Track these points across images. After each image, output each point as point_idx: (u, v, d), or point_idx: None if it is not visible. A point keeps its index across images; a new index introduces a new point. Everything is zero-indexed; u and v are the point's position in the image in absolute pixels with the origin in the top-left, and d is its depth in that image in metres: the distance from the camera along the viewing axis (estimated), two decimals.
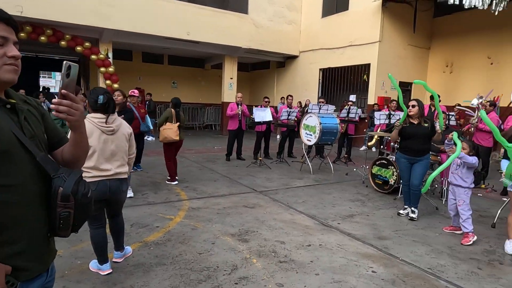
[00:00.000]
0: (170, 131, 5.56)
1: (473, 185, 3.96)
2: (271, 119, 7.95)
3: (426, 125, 4.37)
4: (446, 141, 4.06)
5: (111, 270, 2.86)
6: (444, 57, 11.96)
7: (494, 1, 8.25)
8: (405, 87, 12.17)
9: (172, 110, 5.79)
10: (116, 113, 2.76)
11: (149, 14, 11.21)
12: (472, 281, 3.00)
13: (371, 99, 11.48)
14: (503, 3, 8.18)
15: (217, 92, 15.55)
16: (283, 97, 10.40)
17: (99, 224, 2.78)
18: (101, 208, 2.78)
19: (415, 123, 4.43)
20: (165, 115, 5.70)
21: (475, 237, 3.85)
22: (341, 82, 12.98)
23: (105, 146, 2.64)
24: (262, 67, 17.44)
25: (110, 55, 11.54)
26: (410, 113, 4.42)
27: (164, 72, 16.21)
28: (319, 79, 13.85)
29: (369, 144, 6.26)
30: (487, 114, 6.51)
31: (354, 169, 7.49)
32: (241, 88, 16.36)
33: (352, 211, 4.84)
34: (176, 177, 6.03)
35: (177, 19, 11.72)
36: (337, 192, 5.86)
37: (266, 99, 8.49)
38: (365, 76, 11.82)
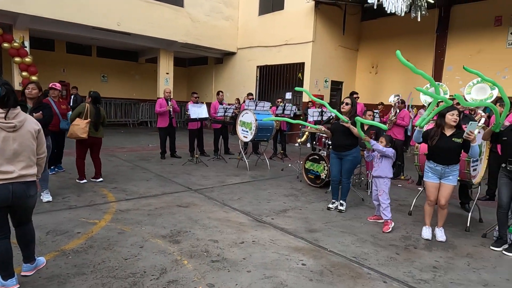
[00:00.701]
0: (77, 127, 5.13)
1: (391, 175, 4.29)
2: (207, 115, 7.81)
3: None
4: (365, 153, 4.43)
5: (18, 286, 2.53)
6: (370, 59, 12.87)
7: (412, 9, 9.07)
8: (336, 86, 12.87)
9: (87, 105, 5.34)
10: (19, 107, 2.42)
11: (72, 0, 10.26)
12: (391, 266, 3.23)
13: (306, 97, 11.91)
14: (421, 11, 9.02)
15: (153, 87, 14.89)
16: (250, 93, 10.28)
17: (1, 235, 2.43)
18: (3, 216, 2.43)
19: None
20: (78, 110, 5.26)
21: (393, 224, 4.20)
22: (278, 80, 13.28)
23: (5, 145, 2.30)
24: (200, 63, 17.11)
25: (27, 43, 10.35)
26: (342, 110, 4.63)
27: (93, 65, 15.06)
28: (257, 76, 14.01)
29: (299, 140, 6.48)
30: (399, 111, 7.15)
31: (289, 165, 7.70)
32: (178, 84, 15.90)
33: (286, 206, 4.94)
34: (101, 178, 5.68)
35: (106, 8, 10.92)
36: (273, 187, 5.96)
37: (195, 95, 8.31)
38: (300, 74, 12.22)
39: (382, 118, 8.87)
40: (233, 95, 14.05)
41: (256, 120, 7.10)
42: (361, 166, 6.42)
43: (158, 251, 3.29)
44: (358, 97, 8.32)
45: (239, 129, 7.44)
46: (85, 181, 5.56)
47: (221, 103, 8.72)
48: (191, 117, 7.60)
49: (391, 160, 4.29)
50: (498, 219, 3.76)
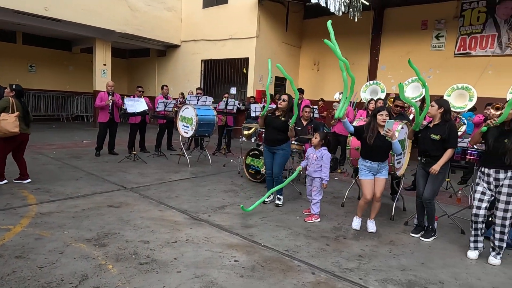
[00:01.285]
0: (5, 122, 4.63)
1: (327, 179, 4.34)
2: (146, 109, 7.47)
3: (283, 119, 4.65)
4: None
5: None
6: (312, 56, 13.27)
7: (351, 10, 9.49)
8: (280, 82, 13.09)
9: (11, 99, 4.83)
10: None
11: None
12: (320, 257, 3.35)
13: (250, 92, 11.95)
14: (357, 12, 9.48)
15: (89, 79, 13.91)
16: (199, 88, 9.90)
17: None
18: None
19: (277, 114, 4.71)
20: (1, 105, 4.73)
21: (319, 219, 4.35)
22: (223, 74, 13.15)
23: None
24: (141, 55, 16.34)
25: None
26: (279, 106, 4.68)
27: (18, 53, 13.64)
28: (201, 70, 13.74)
29: (246, 133, 6.47)
30: None
31: (231, 160, 7.67)
32: (117, 76, 15.03)
33: (224, 202, 4.90)
34: (29, 179, 5.18)
35: None
36: (213, 184, 5.88)
37: (140, 89, 7.93)
38: (244, 69, 12.22)
39: (320, 114, 9.20)
40: (177, 89, 13.63)
41: (197, 115, 6.95)
42: (293, 160, 6.59)
43: (80, 256, 3.06)
44: (302, 98, 8.52)
45: (179, 124, 7.23)
46: (5, 181, 5.01)
47: (166, 98, 8.43)
48: (128, 111, 7.22)
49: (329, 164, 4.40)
50: (416, 207, 4.08)
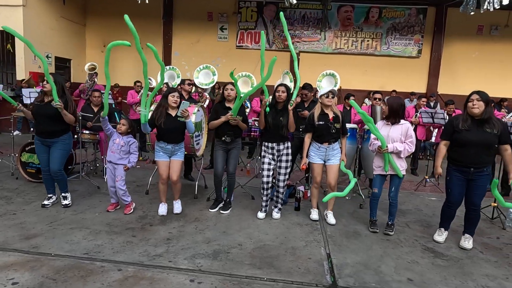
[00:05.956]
0: None
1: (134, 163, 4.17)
2: None
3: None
4: None
5: None
6: (101, 36, 11.99)
7: None
8: (63, 63, 11.23)
9: None
10: None
11: None
12: (127, 251, 3.11)
13: (21, 74, 9.65)
14: None
15: None
16: None
17: None
18: None
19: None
20: None
21: (134, 204, 4.18)
22: None
23: None
24: None
25: None
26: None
27: None
28: None
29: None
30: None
31: (0, 160, 6.00)
32: None
33: None
34: None
35: None
36: None
37: None
38: (9, 46, 9.70)
39: (115, 100, 8.54)
40: None
41: None
42: (95, 152, 5.91)
43: None
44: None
45: None
46: None
47: None
48: None
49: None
50: (215, 184, 4.41)
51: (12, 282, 2.51)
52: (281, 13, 3.94)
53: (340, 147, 4.13)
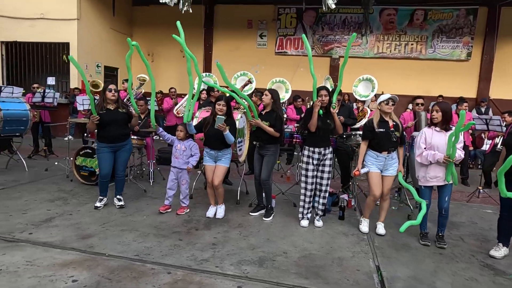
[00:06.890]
0: None
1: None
2: None
3: (122, 110, 4.28)
4: None
5: None
6: (145, 46, 12.53)
7: (181, 1, 9.38)
8: (111, 72, 11.88)
9: None
10: None
11: None
12: (175, 254, 3.19)
13: (74, 83, 10.34)
14: (187, 5, 9.45)
15: None
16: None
17: None
18: None
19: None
20: None
21: (188, 209, 4.35)
22: (34, 61, 10.84)
23: None
24: None
25: None
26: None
27: None
28: (2, 55, 10.93)
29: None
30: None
31: (56, 163, 6.43)
32: None
33: (50, 214, 4.04)
34: None
35: None
36: (30, 194, 4.77)
37: None
38: (64, 57, 10.44)
39: (159, 106, 8.86)
40: None
41: (1, 110, 5.48)
42: (141, 156, 6.16)
43: None
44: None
45: None
46: None
47: None
48: None
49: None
50: (255, 189, 4.44)
51: (72, 280, 2.66)
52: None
53: (398, 157, 3.97)
